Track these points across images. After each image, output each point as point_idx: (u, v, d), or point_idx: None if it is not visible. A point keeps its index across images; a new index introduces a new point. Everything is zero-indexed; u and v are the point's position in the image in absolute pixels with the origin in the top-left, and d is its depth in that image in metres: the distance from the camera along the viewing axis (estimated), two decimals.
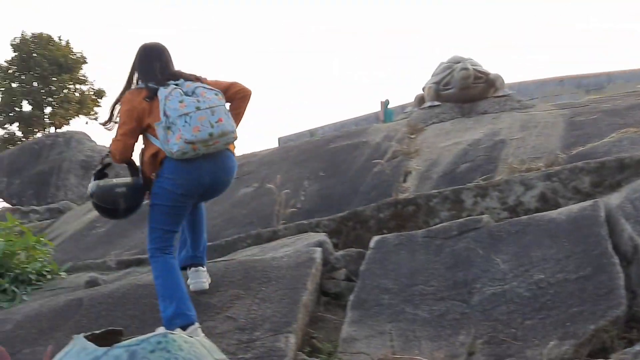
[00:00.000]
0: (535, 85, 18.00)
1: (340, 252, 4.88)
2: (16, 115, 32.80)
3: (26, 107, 33.12)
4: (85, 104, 34.11)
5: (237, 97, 4.09)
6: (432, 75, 8.97)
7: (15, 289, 5.52)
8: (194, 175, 3.78)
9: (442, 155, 6.67)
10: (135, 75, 4.06)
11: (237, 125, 4.01)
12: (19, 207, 14.92)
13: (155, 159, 3.85)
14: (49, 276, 6.06)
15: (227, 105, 4.00)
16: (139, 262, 5.94)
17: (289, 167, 7.60)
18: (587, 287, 3.55)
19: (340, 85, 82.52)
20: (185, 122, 3.62)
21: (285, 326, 3.65)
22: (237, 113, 4.06)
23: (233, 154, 4.03)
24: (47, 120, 33.39)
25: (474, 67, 8.43)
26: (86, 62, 34.76)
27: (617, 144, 5.74)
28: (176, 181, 3.77)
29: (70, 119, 33.79)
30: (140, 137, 3.99)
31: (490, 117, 7.86)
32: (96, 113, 34.42)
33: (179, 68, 4.08)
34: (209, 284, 4.32)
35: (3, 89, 32.66)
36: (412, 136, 7.67)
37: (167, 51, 4.09)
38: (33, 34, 33.47)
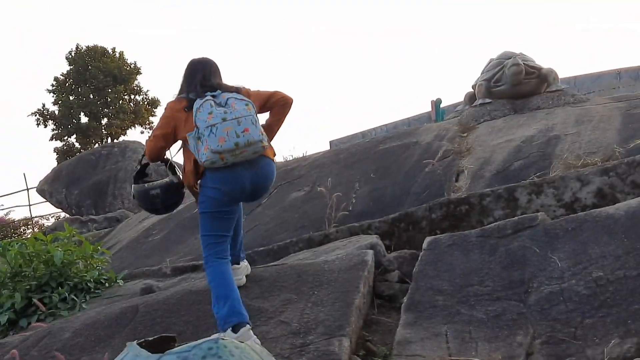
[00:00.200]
0: (592, 79, 17.61)
1: (393, 254, 4.85)
2: (74, 127, 33.61)
3: (83, 119, 33.90)
4: (140, 114, 34.78)
5: (277, 105, 4.23)
6: (482, 72, 8.85)
7: (75, 298, 5.63)
8: (236, 182, 3.91)
9: (494, 153, 6.57)
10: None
11: (275, 132, 4.26)
12: (78, 216, 15.27)
13: (197, 167, 4.00)
14: (106, 284, 6.18)
15: (267, 113, 4.23)
16: (194, 269, 6.00)
17: (339, 169, 7.58)
18: None
19: (392, 85, 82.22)
20: (212, 132, 3.76)
21: (338, 330, 3.62)
22: (277, 120, 4.26)
23: (272, 160, 4.13)
24: (103, 131, 34.09)
25: (525, 62, 8.28)
26: (140, 73, 35.50)
27: None
28: (220, 189, 3.91)
29: (127, 129, 34.50)
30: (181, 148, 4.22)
31: (543, 112, 7.71)
32: (151, 122, 35.09)
33: (228, 81, 4.20)
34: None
35: (60, 101, 33.49)
36: (464, 135, 7.57)
37: (213, 65, 4.23)
38: (87, 46, 34.26)
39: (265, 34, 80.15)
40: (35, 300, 5.26)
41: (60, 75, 34.21)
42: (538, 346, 3.32)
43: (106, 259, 6.57)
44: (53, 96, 33.96)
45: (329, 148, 17.36)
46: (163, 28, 65.89)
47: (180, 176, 4.29)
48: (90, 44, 34.43)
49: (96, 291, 5.95)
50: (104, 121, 34.15)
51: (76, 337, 4.33)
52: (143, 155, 4.37)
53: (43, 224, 23.11)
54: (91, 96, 33.68)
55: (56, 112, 33.70)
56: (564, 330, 3.36)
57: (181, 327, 4.08)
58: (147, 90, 35.66)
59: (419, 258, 4.49)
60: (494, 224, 4.71)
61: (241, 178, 3.91)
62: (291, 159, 10.19)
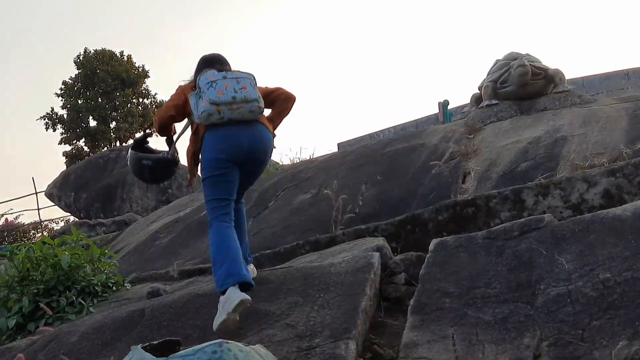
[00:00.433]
0: (600, 80, 17.56)
1: (400, 256, 4.83)
2: (82, 131, 33.69)
3: (92, 122, 33.99)
4: (149, 117, 34.78)
5: (280, 99, 4.44)
6: (488, 74, 8.84)
7: (82, 301, 5.64)
8: (232, 140, 4.08)
9: (501, 155, 6.55)
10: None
11: (277, 124, 4.45)
12: (86, 220, 15.32)
13: (197, 135, 4.21)
14: (114, 287, 6.19)
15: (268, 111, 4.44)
16: (201, 272, 6.01)
17: (346, 172, 7.58)
18: None
19: (400, 87, 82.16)
20: (211, 87, 4.02)
21: (345, 332, 3.61)
22: (279, 112, 4.46)
23: (269, 130, 4.31)
24: (112, 135, 34.16)
25: (531, 63, 8.27)
26: (148, 76, 35.56)
27: None
28: (216, 147, 4.09)
29: (135, 132, 34.52)
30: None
31: (550, 113, 7.69)
32: (152, 135, 34.99)
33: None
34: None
35: (69, 105, 33.59)
36: (470, 136, 7.57)
37: (222, 59, 4.46)
38: (95, 50, 34.34)
39: (273, 36, 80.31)
40: (42, 304, 5.28)
41: (69, 79, 34.31)
42: (545, 348, 3.30)
43: (114, 263, 6.58)
44: (62, 100, 34.04)
45: (336, 150, 17.36)
46: (171, 31, 66.02)
47: (177, 155, 4.54)
48: (99, 48, 34.57)
49: (103, 295, 5.96)
50: (113, 125, 34.19)
51: (83, 341, 4.33)
52: (150, 125, 4.60)
53: (52, 228, 23.20)
54: (99, 100, 33.74)
55: (65, 116, 33.76)
56: (572, 333, 3.34)
57: (188, 330, 4.08)
58: (156, 94, 35.72)
59: (426, 260, 4.47)
60: (501, 225, 4.68)
61: (238, 136, 4.08)
62: (298, 161, 10.18)
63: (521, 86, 8.26)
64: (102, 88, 33.52)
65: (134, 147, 4.61)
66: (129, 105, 34.47)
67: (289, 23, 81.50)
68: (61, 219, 23.60)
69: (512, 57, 8.60)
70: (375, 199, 6.49)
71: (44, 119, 33.77)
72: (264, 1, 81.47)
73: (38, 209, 23.49)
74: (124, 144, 30.22)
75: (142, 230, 9.55)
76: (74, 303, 5.61)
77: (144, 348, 2.31)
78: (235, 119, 4.04)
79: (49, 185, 19.15)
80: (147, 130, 4.79)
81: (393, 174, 6.95)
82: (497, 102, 8.43)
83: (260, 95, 4.17)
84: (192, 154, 4.31)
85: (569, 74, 8.64)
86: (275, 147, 4.43)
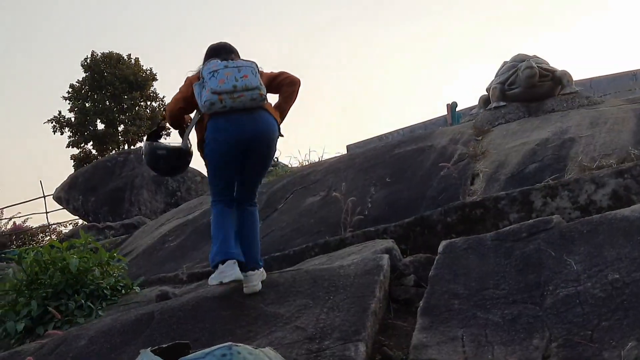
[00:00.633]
0: (608, 81, 17.51)
1: (409, 258, 4.83)
2: (90, 134, 33.74)
3: (99, 125, 34.05)
4: (156, 120, 34.82)
5: (285, 83, 4.49)
6: (496, 76, 8.84)
7: (91, 305, 5.64)
8: (235, 127, 4.17)
9: (509, 156, 6.54)
10: None
11: (286, 110, 4.52)
12: (94, 223, 15.34)
13: (202, 123, 4.31)
14: (123, 291, 6.20)
15: (275, 97, 4.54)
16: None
17: (355, 174, 7.58)
18: None
19: (409, 89, 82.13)
20: (213, 76, 4.12)
21: (354, 334, 3.61)
22: (286, 97, 4.51)
23: (274, 118, 4.37)
24: (120, 138, 34.22)
25: (538, 64, 8.27)
26: (156, 79, 35.58)
27: None
28: (219, 134, 4.20)
29: (143, 135, 34.51)
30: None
31: (558, 115, 7.68)
32: (168, 128, 35.05)
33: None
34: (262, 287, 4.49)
35: (77, 108, 33.65)
36: (479, 138, 7.56)
37: (228, 47, 4.53)
38: (103, 53, 34.40)
39: (281, 39, 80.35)
40: (51, 308, 5.30)
41: (76, 82, 34.38)
42: (554, 349, 3.30)
43: (123, 266, 6.60)
44: (69, 103, 34.11)
45: (345, 153, 17.35)
46: (179, 33, 66.14)
47: (190, 146, 4.58)
48: (106, 51, 34.64)
49: (112, 298, 5.97)
50: (120, 128, 34.27)
51: (92, 344, 4.34)
52: (162, 119, 4.81)
53: (61, 231, 23.27)
54: (107, 103, 33.82)
55: (72, 119, 33.83)
56: (580, 333, 3.34)
57: (197, 333, 4.08)
58: (164, 97, 35.77)
59: (435, 262, 4.47)
60: (509, 227, 4.68)
61: (241, 123, 4.16)
62: (307, 164, 10.18)
63: (529, 88, 8.25)
64: (109, 91, 33.60)
65: (148, 138, 4.69)
66: (136, 108, 34.54)
67: (298, 25, 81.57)
68: (69, 222, 23.69)
69: (520, 59, 8.60)
70: (384, 201, 6.49)
71: (52, 122, 33.86)
72: (274, 4, 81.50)
73: (46, 213, 23.56)
74: (132, 147, 30.30)
75: (150, 233, 9.57)
76: (82, 306, 5.62)
77: (153, 351, 2.32)
78: (237, 107, 4.13)
79: (57, 189, 19.17)
80: (161, 124, 4.87)
81: (402, 176, 6.95)
82: (505, 103, 8.43)
83: (262, 83, 4.24)
84: (198, 142, 4.43)
85: (576, 76, 8.63)
86: (282, 135, 4.46)
